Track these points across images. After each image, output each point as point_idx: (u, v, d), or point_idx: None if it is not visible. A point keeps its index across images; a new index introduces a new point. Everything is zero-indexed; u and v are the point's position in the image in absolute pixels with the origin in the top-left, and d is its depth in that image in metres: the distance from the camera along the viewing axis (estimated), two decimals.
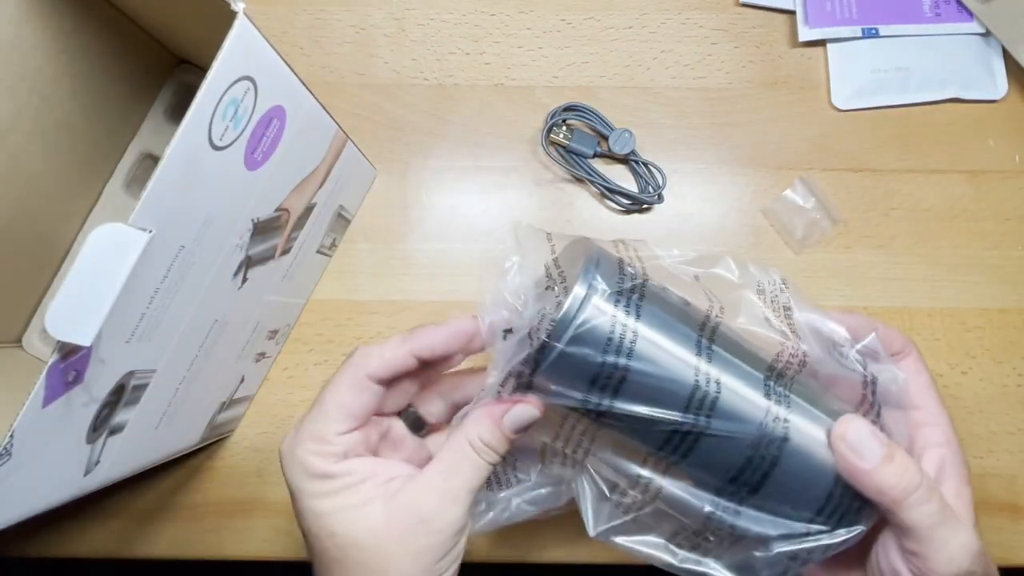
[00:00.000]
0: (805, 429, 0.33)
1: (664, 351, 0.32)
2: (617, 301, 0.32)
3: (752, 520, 0.33)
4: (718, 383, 0.32)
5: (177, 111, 0.51)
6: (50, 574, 0.62)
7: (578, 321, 0.32)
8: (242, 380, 0.46)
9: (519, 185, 0.52)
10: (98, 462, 0.34)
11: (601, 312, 0.32)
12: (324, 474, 0.32)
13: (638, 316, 0.32)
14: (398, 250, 0.51)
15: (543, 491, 0.37)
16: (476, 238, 0.51)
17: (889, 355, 0.35)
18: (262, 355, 0.47)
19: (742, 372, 0.33)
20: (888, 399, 0.35)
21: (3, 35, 0.39)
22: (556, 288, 0.34)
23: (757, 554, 0.34)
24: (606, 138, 0.50)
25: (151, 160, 0.50)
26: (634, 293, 0.33)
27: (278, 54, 0.33)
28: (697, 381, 0.32)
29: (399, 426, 0.37)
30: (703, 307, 0.34)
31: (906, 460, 0.32)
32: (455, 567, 0.33)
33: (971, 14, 0.52)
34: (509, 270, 0.34)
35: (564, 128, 0.51)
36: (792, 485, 0.33)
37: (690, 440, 0.32)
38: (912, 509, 0.31)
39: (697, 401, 0.32)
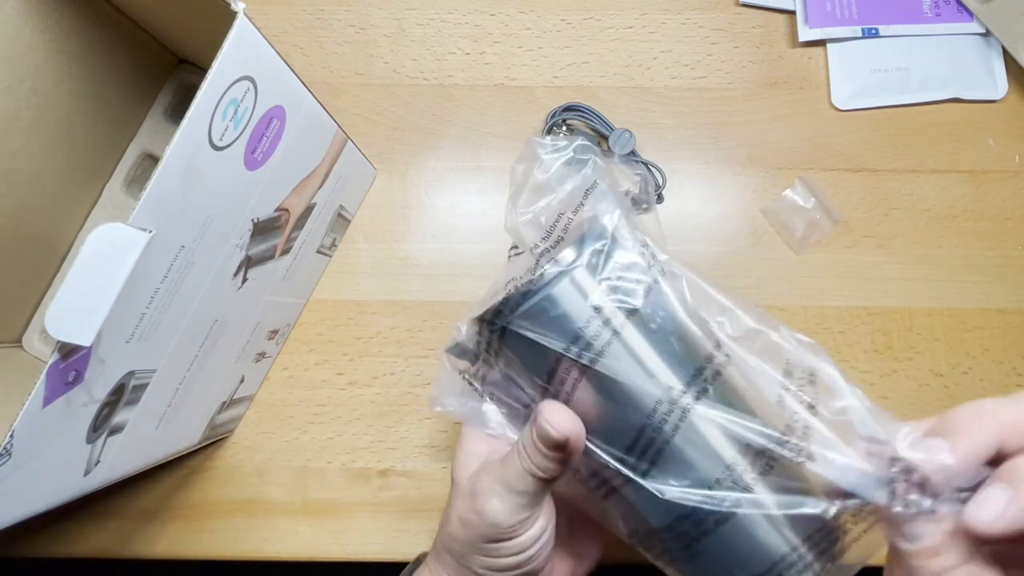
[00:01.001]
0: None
1: (639, 370, 0.27)
2: (609, 291, 0.27)
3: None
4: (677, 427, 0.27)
5: (177, 111, 0.51)
6: (50, 574, 0.62)
7: (543, 296, 0.26)
8: (242, 380, 0.46)
9: None
10: (98, 462, 0.34)
11: (580, 296, 0.27)
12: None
13: (625, 318, 0.27)
14: (398, 250, 0.51)
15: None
16: (476, 238, 0.51)
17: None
18: (262, 355, 0.47)
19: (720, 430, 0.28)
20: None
21: (3, 35, 0.39)
22: (545, 247, 0.29)
23: None
24: (606, 138, 0.50)
25: (151, 160, 0.50)
26: (636, 292, 0.27)
27: (278, 54, 0.33)
28: (658, 419, 0.27)
29: None
30: (710, 344, 0.28)
31: None
32: (515, 561, 0.32)
33: (971, 14, 0.52)
34: (529, 186, 0.29)
35: (564, 128, 0.51)
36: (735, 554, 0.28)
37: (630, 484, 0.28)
38: None
39: (645, 447, 0.27)
